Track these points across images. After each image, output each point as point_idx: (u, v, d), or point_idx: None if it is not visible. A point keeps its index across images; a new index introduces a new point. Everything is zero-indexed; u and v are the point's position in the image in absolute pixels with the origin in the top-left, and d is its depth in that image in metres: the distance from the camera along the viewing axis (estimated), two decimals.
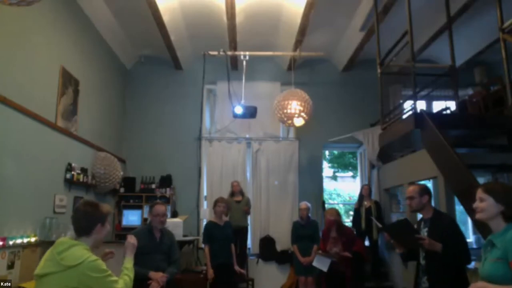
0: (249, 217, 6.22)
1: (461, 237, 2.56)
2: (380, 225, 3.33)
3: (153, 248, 3.36)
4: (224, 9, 5.35)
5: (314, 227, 5.03)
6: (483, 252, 1.89)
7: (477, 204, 1.91)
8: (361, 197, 6.21)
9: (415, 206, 2.73)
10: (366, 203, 6.05)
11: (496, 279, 1.69)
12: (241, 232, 5.83)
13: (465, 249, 2.52)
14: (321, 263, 4.35)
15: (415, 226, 2.79)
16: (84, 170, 4.99)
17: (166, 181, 6.61)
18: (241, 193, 6.04)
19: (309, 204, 5.11)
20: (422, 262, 2.67)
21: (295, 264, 5.12)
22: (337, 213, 4.55)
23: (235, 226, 5.41)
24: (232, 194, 5.97)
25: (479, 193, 1.90)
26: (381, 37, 5.13)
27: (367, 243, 6.00)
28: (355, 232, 5.49)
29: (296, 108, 5.78)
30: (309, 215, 5.07)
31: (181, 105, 7.02)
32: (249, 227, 6.25)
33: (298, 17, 5.46)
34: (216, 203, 4.52)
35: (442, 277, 2.52)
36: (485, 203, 1.86)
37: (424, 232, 2.66)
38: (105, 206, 2.04)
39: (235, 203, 5.87)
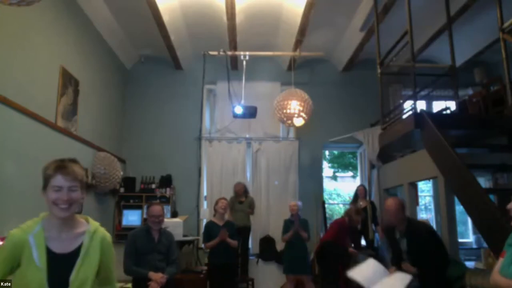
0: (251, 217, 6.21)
1: (440, 247, 2.76)
2: None
3: (151, 248, 3.39)
4: (224, 9, 5.34)
5: (304, 224, 5.08)
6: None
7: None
8: (356, 197, 6.20)
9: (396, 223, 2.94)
10: (361, 204, 6.03)
11: None
12: (244, 232, 5.83)
13: (444, 259, 2.78)
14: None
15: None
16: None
17: (166, 181, 6.60)
18: (245, 194, 6.03)
19: (299, 203, 5.23)
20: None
21: (284, 261, 5.20)
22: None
23: (238, 226, 5.43)
24: (236, 195, 5.98)
25: None
26: (381, 37, 5.13)
27: (363, 242, 6.01)
28: None
29: (296, 108, 5.77)
30: (299, 214, 5.11)
31: (181, 105, 7.02)
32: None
33: (298, 17, 5.46)
34: (217, 202, 4.57)
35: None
36: None
37: (403, 242, 2.79)
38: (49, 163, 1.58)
39: (238, 204, 5.88)
